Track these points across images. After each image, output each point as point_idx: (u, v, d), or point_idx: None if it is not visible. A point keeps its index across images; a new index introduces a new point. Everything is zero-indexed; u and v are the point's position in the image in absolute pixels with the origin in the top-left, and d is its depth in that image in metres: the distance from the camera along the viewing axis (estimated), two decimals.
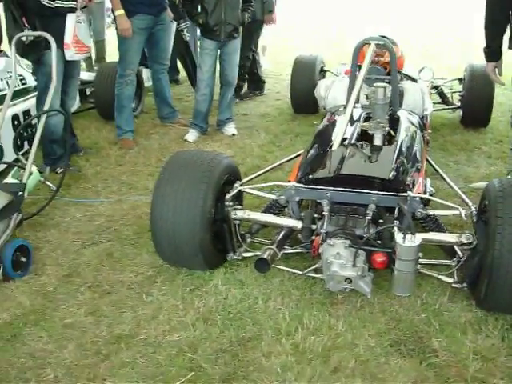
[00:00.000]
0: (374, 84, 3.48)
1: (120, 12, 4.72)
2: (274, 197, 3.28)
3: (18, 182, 3.52)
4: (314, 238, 3.02)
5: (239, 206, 3.29)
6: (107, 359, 2.62)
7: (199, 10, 5.04)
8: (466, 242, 2.85)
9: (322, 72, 6.01)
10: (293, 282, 3.13)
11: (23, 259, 3.30)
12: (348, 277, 2.77)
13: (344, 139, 3.31)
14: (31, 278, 3.26)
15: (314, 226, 3.06)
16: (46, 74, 4.22)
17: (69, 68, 4.40)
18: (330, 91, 4.37)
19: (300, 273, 3.15)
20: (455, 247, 3.01)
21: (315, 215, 3.10)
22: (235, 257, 3.28)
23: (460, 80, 5.69)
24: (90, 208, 4.07)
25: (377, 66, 4.25)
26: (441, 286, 3.07)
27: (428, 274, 3.07)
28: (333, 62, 6.29)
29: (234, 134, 5.42)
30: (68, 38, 4.22)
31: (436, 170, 3.84)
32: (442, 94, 5.61)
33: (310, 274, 3.11)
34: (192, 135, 5.30)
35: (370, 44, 3.79)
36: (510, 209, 2.67)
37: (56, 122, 4.37)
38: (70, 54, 4.27)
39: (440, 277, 3.06)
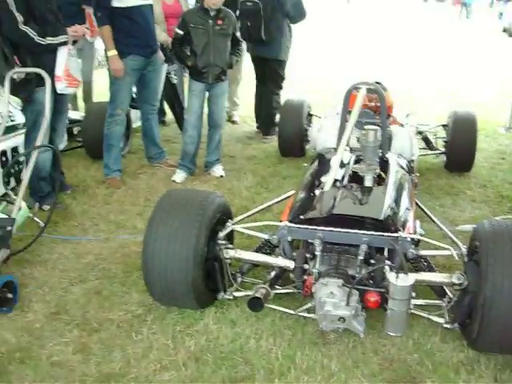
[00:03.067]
0: (365, 127, 3.55)
1: (113, 52, 4.77)
2: (266, 236, 3.28)
3: (7, 217, 3.49)
4: (306, 277, 3.02)
5: (230, 246, 3.29)
6: None
7: (188, 52, 5.10)
8: (457, 282, 2.87)
9: (309, 116, 6.06)
10: (284, 322, 3.11)
11: (9, 295, 3.24)
12: (342, 316, 2.78)
13: (335, 181, 3.36)
14: (17, 315, 3.21)
15: (306, 266, 3.06)
16: (35, 111, 4.24)
17: (58, 104, 4.40)
18: (321, 133, 4.51)
19: (292, 312, 3.12)
20: (445, 288, 3.05)
21: (307, 255, 3.10)
22: (226, 296, 3.26)
23: (444, 126, 5.78)
24: (78, 246, 4.03)
25: (367, 110, 4.30)
26: (432, 326, 3.08)
27: (419, 314, 3.08)
28: (318, 106, 6.41)
29: (221, 176, 5.42)
30: (59, 71, 4.24)
31: (425, 212, 3.89)
32: (426, 140, 5.71)
33: (302, 314, 3.09)
34: (180, 176, 5.31)
35: (360, 88, 3.88)
36: (501, 249, 2.72)
37: (44, 158, 4.36)
38: (61, 86, 4.27)
39: (431, 317, 3.07)
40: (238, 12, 6.08)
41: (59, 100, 4.41)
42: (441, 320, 3.04)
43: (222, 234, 3.20)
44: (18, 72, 4.01)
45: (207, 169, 5.52)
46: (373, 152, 3.48)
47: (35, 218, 3.79)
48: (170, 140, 6.37)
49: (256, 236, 3.40)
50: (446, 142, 5.61)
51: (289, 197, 3.93)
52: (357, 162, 3.69)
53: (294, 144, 5.83)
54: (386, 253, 3.09)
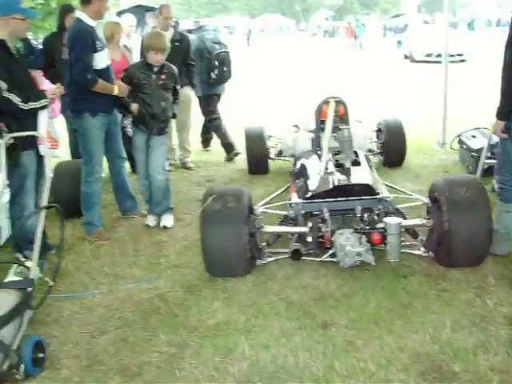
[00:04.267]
0: (340, 126, 4.91)
1: (115, 88, 5.02)
2: (285, 213, 4.60)
3: (24, 278, 3.56)
4: (320, 238, 4.21)
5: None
6: None
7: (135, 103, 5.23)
8: (427, 223, 4.26)
9: (269, 138, 7.25)
10: (312, 338, 3.40)
11: (40, 355, 3.31)
12: (358, 252, 3.91)
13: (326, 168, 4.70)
14: (50, 373, 3.26)
15: (320, 227, 4.22)
16: (21, 175, 4.33)
17: (41, 166, 4.50)
18: (298, 142, 6.27)
19: (318, 259, 4.29)
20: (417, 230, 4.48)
21: (319, 220, 4.26)
22: (262, 262, 4.35)
23: (377, 131, 7.09)
24: (84, 301, 4.10)
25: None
26: (440, 321, 3.47)
27: (406, 251, 4.31)
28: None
29: (165, 227, 5.40)
30: (42, 133, 4.37)
31: (387, 185, 5.23)
32: None
33: (326, 259, 4.26)
34: (151, 220, 5.45)
35: (329, 102, 5.34)
36: (455, 196, 4.05)
37: (32, 222, 4.42)
38: (45, 148, 4.40)
39: (413, 251, 4.34)
40: (213, 60, 7.50)
41: (41, 163, 4.52)
42: (419, 252, 4.31)
43: (258, 213, 4.40)
44: (13, 137, 4.09)
45: (159, 218, 5.55)
46: (349, 144, 4.72)
47: (45, 278, 3.85)
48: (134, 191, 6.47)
49: (276, 214, 4.75)
50: (382, 143, 6.94)
51: (287, 188, 5.54)
52: (334, 155, 4.96)
53: (260, 163, 7.06)
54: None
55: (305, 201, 4.47)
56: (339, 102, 5.46)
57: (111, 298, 4.13)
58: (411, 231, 4.47)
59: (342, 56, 26.33)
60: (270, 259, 4.37)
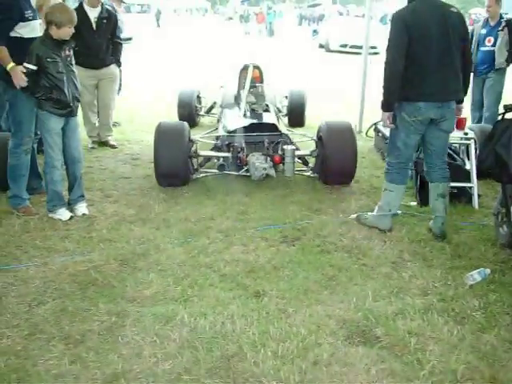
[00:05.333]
0: (256, 84, 6.81)
1: (11, 64, 4.68)
2: (213, 142, 6.38)
3: None
4: (239, 160, 5.92)
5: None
6: None
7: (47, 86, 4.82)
8: (314, 153, 6.10)
9: (198, 97, 9.13)
10: (247, 306, 3.65)
11: None
12: (264, 167, 5.62)
13: (245, 114, 6.52)
14: None
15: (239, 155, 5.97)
16: None
17: None
18: (225, 97, 7.78)
19: (237, 173, 5.97)
20: (307, 158, 6.33)
21: (239, 149, 5.91)
22: (197, 176, 6.11)
23: (286, 97, 9.01)
24: (18, 273, 4.11)
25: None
26: (362, 291, 3.82)
27: (299, 174, 6.20)
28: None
29: (84, 214, 5.18)
30: None
31: (288, 129, 7.33)
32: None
33: (243, 174, 5.93)
34: (66, 213, 5.13)
35: (249, 66, 7.17)
36: (330, 135, 5.88)
37: None
38: None
39: (304, 173, 6.22)
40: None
41: None
42: (308, 173, 6.20)
43: (195, 141, 6.12)
44: None
45: (70, 206, 5.25)
46: (261, 97, 6.63)
47: None
48: None
49: (209, 142, 6.58)
50: (288, 107, 8.91)
51: (215, 129, 7.50)
52: (251, 105, 6.63)
53: (190, 119, 8.15)
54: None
55: (228, 134, 6.15)
56: (256, 67, 7.26)
57: (46, 270, 4.17)
58: (303, 160, 6.28)
59: (254, 42, 26.69)
60: (202, 175, 6.14)
